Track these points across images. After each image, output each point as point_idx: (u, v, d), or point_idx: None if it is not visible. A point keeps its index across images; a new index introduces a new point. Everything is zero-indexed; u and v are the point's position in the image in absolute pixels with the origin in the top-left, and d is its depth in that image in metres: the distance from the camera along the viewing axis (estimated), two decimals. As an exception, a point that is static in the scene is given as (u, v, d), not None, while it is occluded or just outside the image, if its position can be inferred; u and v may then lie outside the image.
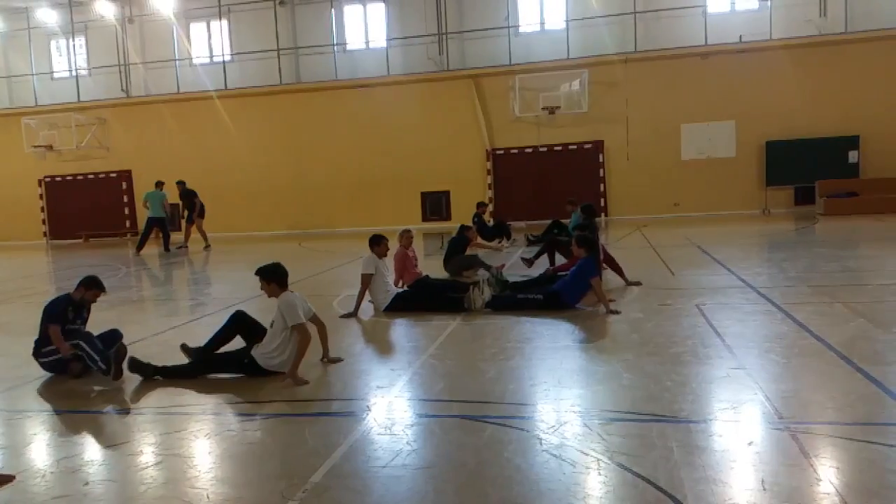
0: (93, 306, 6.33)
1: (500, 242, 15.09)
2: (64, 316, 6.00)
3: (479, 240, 13.02)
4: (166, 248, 18.13)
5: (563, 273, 8.71)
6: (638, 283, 9.13)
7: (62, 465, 4.01)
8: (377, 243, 8.22)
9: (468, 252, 11.20)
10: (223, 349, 6.00)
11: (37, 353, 6.03)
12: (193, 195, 18.75)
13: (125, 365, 5.73)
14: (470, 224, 12.99)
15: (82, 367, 5.84)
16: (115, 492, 3.66)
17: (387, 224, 19.41)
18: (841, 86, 20.16)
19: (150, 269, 15.30)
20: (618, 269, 9.38)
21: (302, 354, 5.48)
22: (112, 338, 6.08)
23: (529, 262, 10.80)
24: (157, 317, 8.87)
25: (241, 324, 6.04)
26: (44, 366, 6.02)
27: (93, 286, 6.22)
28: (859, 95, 20.06)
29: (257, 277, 5.79)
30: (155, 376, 5.71)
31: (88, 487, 3.68)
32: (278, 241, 20.40)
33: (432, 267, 10.75)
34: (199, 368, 5.78)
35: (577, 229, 9.84)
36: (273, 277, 5.74)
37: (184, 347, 6.09)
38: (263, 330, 5.85)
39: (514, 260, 12.09)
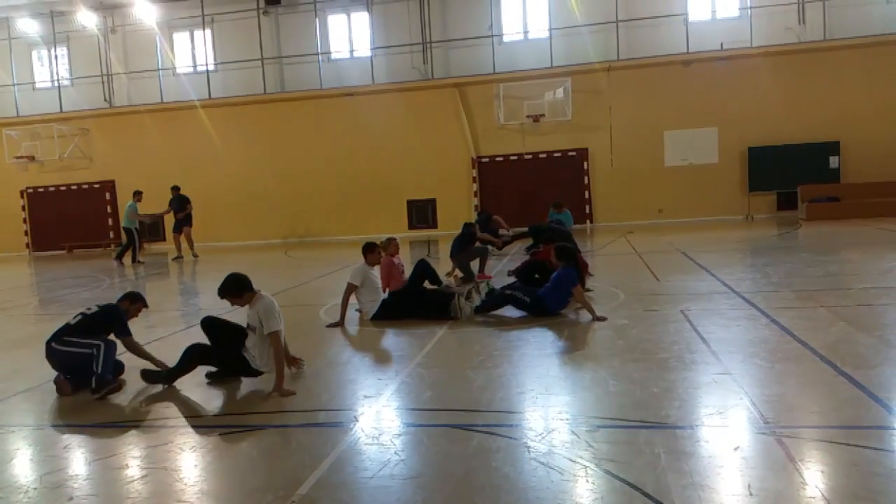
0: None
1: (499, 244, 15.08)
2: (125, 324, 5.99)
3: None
4: (117, 257, 18.12)
5: (543, 261, 8.86)
6: (588, 290, 8.99)
7: (46, 480, 3.96)
8: (370, 251, 8.22)
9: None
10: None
11: (56, 339, 5.78)
12: (186, 202, 18.67)
13: (139, 376, 5.76)
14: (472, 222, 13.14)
15: (72, 388, 5.68)
16: (99, 507, 3.62)
17: (373, 232, 19.40)
18: (821, 92, 20.42)
19: (133, 281, 15.15)
20: (583, 270, 9.35)
21: (281, 364, 5.44)
22: (115, 367, 5.95)
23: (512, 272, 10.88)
24: (142, 328, 8.76)
25: (212, 329, 5.93)
26: (54, 352, 5.75)
27: (137, 300, 6.21)
28: (839, 101, 20.32)
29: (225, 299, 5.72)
30: (170, 381, 5.70)
31: (73, 502, 3.63)
32: (264, 251, 20.31)
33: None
34: (195, 360, 5.72)
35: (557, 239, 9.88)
36: (242, 288, 5.68)
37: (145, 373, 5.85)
38: (240, 330, 5.79)
39: (502, 267, 12.10)
